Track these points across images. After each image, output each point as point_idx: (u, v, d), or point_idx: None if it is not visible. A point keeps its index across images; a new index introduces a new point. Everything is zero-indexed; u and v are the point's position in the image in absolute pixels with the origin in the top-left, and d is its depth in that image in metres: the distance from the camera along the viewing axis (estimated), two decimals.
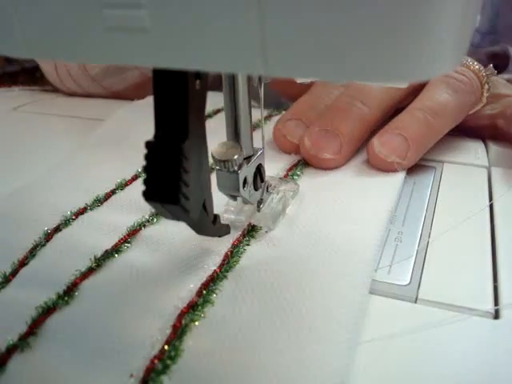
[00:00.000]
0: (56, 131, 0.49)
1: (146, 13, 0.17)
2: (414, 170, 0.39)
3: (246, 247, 0.30)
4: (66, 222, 0.33)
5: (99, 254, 0.29)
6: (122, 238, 0.31)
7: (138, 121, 0.46)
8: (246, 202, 0.31)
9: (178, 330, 0.24)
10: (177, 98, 0.21)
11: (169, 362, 0.23)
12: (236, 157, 0.27)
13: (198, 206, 0.24)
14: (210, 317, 0.25)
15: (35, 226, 0.32)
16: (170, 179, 0.22)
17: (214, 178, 0.26)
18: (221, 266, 0.28)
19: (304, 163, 0.39)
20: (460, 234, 0.31)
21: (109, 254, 0.29)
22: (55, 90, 0.66)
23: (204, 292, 0.26)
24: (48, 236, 0.32)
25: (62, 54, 0.20)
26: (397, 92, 0.40)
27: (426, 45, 0.15)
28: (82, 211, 0.34)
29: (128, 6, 0.17)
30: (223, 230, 0.29)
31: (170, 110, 0.22)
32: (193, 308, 0.25)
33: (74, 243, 0.31)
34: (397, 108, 0.40)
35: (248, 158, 0.30)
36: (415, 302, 0.27)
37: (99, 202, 0.35)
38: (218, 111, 0.49)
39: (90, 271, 0.28)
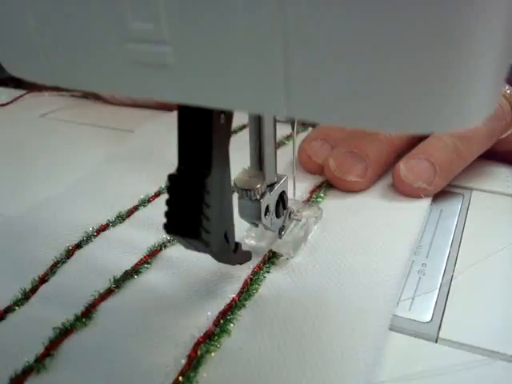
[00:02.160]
0: (83, 141, 0.49)
1: (170, 49, 0.17)
2: (440, 196, 0.38)
3: (266, 274, 0.30)
4: (88, 239, 0.33)
5: (119, 274, 0.29)
6: (142, 259, 0.31)
7: (165, 135, 0.47)
8: (267, 228, 0.30)
9: (193, 361, 0.24)
10: (201, 132, 0.21)
11: None
12: (259, 186, 0.27)
13: (218, 238, 0.23)
14: (225, 348, 0.25)
15: (57, 242, 0.32)
16: (191, 214, 0.22)
17: (235, 202, 0.26)
18: (240, 293, 0.28)
19: (328, 185, 0.39)
20: (487, 269, 0.30)
21: (128, 276, 0.29)
22: (85, 95, 0.66)
23: (221, 321, 0.26)
24: (69, 253, 0.32)
25: (86, 84, 0.20)
26: None
27: (461, 95, 0.15)
28: (103, 228, 0.34)
29: (152, 42, 0.17)
30: (244, 258, 0.28)
31: (194, 143, 0.21)
32: (209, 338, 0.25)
33: (95, 261, 0.31)
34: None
35: (271, 186, 0.29)
36: (436, 341, 0.26)
37: (121, 218, 0.35)
38: (243, 127, 0.49)
39: (108, 292, 0.28)
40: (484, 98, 0.15)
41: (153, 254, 0.31)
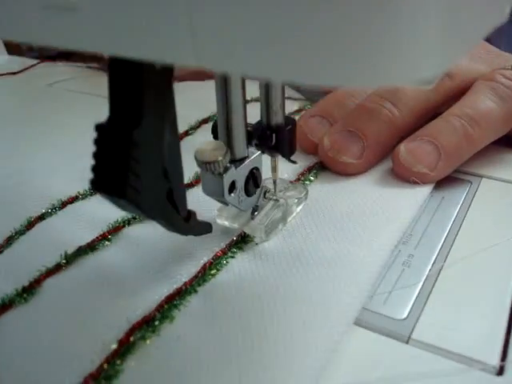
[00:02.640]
0: (83, 110, 0.47)
1: None
2: (446, 182, 0.34)
3: (229, 259, 0.27)
4: (52, 211, 0.31)
5: (74, 249, 0.28)
6: (99, 236, 0.29)
7: None
8: (236, 207, 0.28)
9: (123, 348, 0.22)
10: (130, 80, 0.19)
11: (103, 382, 0.20)
12: (220, 158, 0.25)
13: (152, 199, 0.21)
14: (164, 335, 0.22)
15: (21, 213, 0.31)
16: (116, 169, 0.19)
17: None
18: (194, 278, 0.26)
19: (321, 166, 0.36)
20: (480, 265, 0.27)
21: (81, 252, 0.27)
22: (102, 67, 0.65)
23: (165, 306, 0.24)
24: (29, 225, 0.30)
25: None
26: (434, 95, 0.36)
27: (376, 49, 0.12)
28: (71, 200, 0.32)
29: None
30: (201, 229, 0.26)
31: (124, 91, 0.19)
32: (147, 323, 0.23)
33: (54, 235, 0.29)
34: (434, 114, 0.35)
35: (240, 161, 0.27)
36: (407, 342, 0.23)
37: (93, 191, 0.33)
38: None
39: (57, 268, 0.26)
40: (417, 58, 0.12)
41: (114, 230, 0.29)
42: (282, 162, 0.35)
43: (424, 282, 0.26)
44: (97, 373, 0.21)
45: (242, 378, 0.20)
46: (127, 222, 0.30)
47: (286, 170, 0.35)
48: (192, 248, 0.28)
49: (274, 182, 0.30)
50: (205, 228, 0.26)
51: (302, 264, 0.26)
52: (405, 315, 0.24)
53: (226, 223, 0.29)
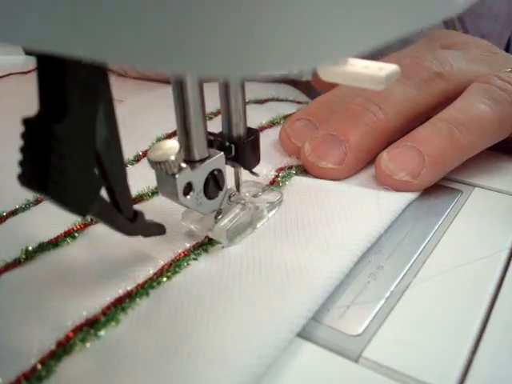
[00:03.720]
0: None
1: None
2: (434, 191, 0.32)
3: (191, 262, 0.26)
4: (26, 207, 0.31)
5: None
6: (65, 232, 0.28)
7: (150, 107, 0.44)
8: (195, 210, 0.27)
9: (60, 349, 0.21)
10: (54, 73, 0.18)
11: (35, 382, 0.20)
12: (172, 158, 0.24)
13: (86, 198, 0.20)
14: (106, 339, 0.22)
15: None
16: (38, 164, 0.19)
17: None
18: (148, 280, 0.25)
19: (300, 168, 0.34)
20: (452, 284, 0.25)
21: (43, 248, 0.27)
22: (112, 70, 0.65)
23: (112, 309, 0.23)
24: (1, 219, 0.30)
25: None
26: (425, 97, 0.34)
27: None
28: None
29: None
30: (151, 231, 0.25)
31: (49, 85, 0.18)
32: (92, 325, 0.22)
33: (22, 230, 0.29)
34: (427, 118, 0.33)
35: (201, 161, 0.26)
36: (356, 361, 0.21)
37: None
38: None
39: (16, 263, 0.26)
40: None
41: (80, 227, 0.29)
42: (261, 162, 0.34)
43: (388, 298, 0.24)
44: (30, 372, 0.20)
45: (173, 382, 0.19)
46: (94, 220, 0.29)
47: (265, 170, 0.33)
48: (155, 249, 0.27)
49: (237, 190, 0.29)
50: (156, 230, 0.25)
51: (260, 269, 0.25)
52: (360, 331, 0.22)
53: (192, 226, 0.28)
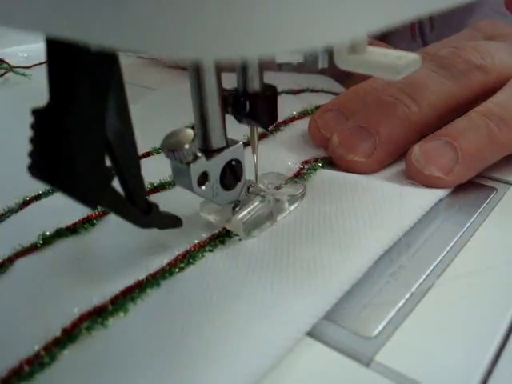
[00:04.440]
0: None
1: None
2: (467, 188, 0.31)
3: (206, 253, 0.26)
4: (49, 192, 0.31)
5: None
6: (84, 218, 0.28)
7: (180, 96, 0.43)
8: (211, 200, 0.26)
9: (65, 337, 0.21)
10: (64, 64, 0.18)
11: (37, 368, 0.20)
12: (186, 146, 0.23)
13: (96, 189, 0.20)
14: (111, 328, 0.21)
15: (21, 191, 0.31)
16: (47, 155, 0.19)
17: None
18: (160, 270, 0.24)
19: (327, 161, 0.33)
20: (477, 288, 0.23)
21: (61, 234, 0.27)
22: (153, 58, 0.65)
23: (121, 298, 0.22)
24: (24, 204, 0.30)
25: None
26: (462, 91, 0.32)
27: None
28: None
29: None
30: (166, 223, 0.25)
31: (59, 76, 0.18)
32: (99, 314, 0.22)
33: (45, 216, 0.29)
34: (462, 112, 0.32)
35: (218, 151, 0.25)
36: (368, 365, 0.20)
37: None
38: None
39: (32, 249, 0.26)
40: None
41: (99, 214, 0.28)
42: (284, 155, 0.33)
43: (407, 299, 0.23)
44: (33, 359, 0.20)
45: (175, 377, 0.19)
46: None
47: (291, 161, 0.32)
48: (171, 238, 0.26)
49: (254, 156, 0.28)
50: (171, 222, 0.25)
51: (275, 265, 0.24)
52: (374, 334, 0.21)
53: (209, 217, 0.28)
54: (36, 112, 0.19)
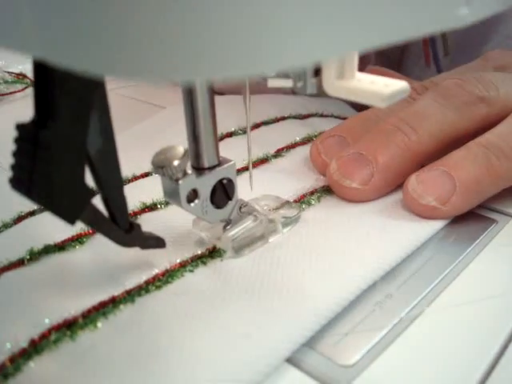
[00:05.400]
0: (122, 114, 0.48)
1: None
2: (466, 219, 0.30)
3: (186, 273, 0.25)
4: (43, 208, 0.31)
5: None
6: (75, 235, 0.28)
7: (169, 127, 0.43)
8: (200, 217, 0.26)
9: (31, 348, 0.21)
10: (44, 81, 0.18)
11: (1, 379, 0.20)
12: (176, 163, 0.23)
13: (74, 205, 0.20)
14: (80, 342, 0.21)
15: (16, 207, 0.31)
16: (23, 168, 0.19)
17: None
18: (137, 287, 0.24)
19: (328, 190, 0.33)
20: (464, 322, 0.23)
21: (49, 250, 0.27)
22: None
23: (94, 312, 0.22)
24: (18, 219, 0.31)
25: None
26: (464, 122, 0.32)
27: None
28: None
29: None
30: (148, 244, 0.25)
31: (42, 93, 0.19)
32: (69, 327, 0.22)
33: (37, 231, 0.29)
34: (463, 143, 0.31)
35: (210, 169, 0.25)
36: None
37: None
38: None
39: (19, 263, 0.26)
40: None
41: (89, 233, 0.28)
42: (283, 181, 0.33)
43: (391, 329, 0.23)
44: None
45: None
46: None
47: (288, 190, 0.32)
48: (156, 256, 0.26)
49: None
50: (153, 243, 0.25)
51: (254, 289, 0.24)
52: (352, 362, 0.21)
53: (202, 234, 0.28)
54: (19, 126, 0.19)
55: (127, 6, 0.12)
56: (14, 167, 0.19)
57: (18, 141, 0.19)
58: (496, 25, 0.51)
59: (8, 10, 0.14)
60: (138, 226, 0.24)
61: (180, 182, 0.24)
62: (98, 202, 0.22)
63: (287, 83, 0.23)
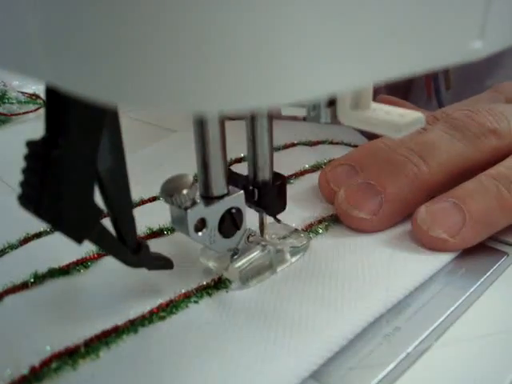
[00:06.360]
0: (132, 136, 0.49)
1: None
2: (476, 251, 0.30)
3: (191, 304, 0.25)
4: (50, 230, 0.32)
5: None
6: (79, 260, 0.28)
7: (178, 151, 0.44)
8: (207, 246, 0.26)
9: (31, 375, 0.21)
10: (56, 100, 0.18)
11: None
12: (185, 192, 0.23)
13: (81, 224, 0.20)
14: (80, 371, 0.21)
15: (22, 228, 0.31)
16: (33, 186, 0.19)
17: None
18: (140, 317, 0.24)
19: (336, 219, 0.33)
20: (474, 357, 0.22)
21: (53, 274, 0.27)
22: None
23: (96, 342, 0.22)
24: (24, 240, 0.31)
25: None
26: (475, 153, 0.32)
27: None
28: None
29: None
30: (156, 265, 0.25)
31: (54, 111, 0.19)
32: (70, 355, 0.22)
33: (42, 254, 0.29)
34: (473, 175, 0.31)
35: (219, 198, 0.25)
36: None
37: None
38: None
39: (23, 286, 0.26)
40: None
41: (94, 257, 0.29)
42: (291, 209, 0.33)
43: (398, 363, 0.22)
44: None
45: None
46: None
47: (295, 218, 0.32)
48: (162, 285, 0.26)
49: (261, 235, 0.28)
50: (161, 264, 0.25)
51: (259, 321, 0.24)
52: None
53: (209, 263, 0.28)
54: (29, 144, 0.19)
55: (140, 36, 0.12)
56: (22, 184, 0.19)
57: (27, 158, 0.19)
58: (500, 58, 0.51)
59: (20, 35, 0.14)
60: (146, 247, 0.24)
61: (188, 210, 0.24)
62: (106, 221, 0.22)
63: (301, 112, 0.23)
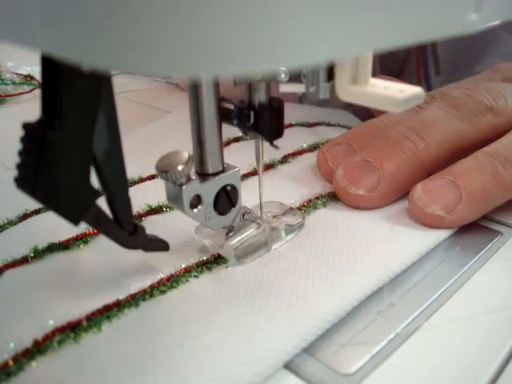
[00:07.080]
0: (126, 117, 0.48)
1: None
2: (470, 230, 0.30)
3: (191, 278, 0.25)
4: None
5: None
6: (79, 235, 0.28)
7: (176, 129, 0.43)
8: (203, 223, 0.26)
9: (35, 348, 0.21)
10: (52, 81, 0.18)
11: (3, 378, 0.20)
12: (180, 168, 0.23)
13: (79, 205, 0.20)
14: (82, 343, 0.21)
15: (22, 205, 0.31)
16: (29, 168, 0.19)
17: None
18: (141, 291, 0.24)
19: (334, 197, 0.33)
20: (466, 333, 0.23)
21: (53, 249, 0.27)
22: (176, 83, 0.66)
23: (98, 315, 0.22)
24: (23, 217, 0.31)
25: None
26: (472, 131, 0.32)
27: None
28: None
29: None
30: (152, 246, 0.25)
31: (49, 94, 0.19)
32: (73, 329, 0.22)
33: (42, 230, 0.29)
34: (471, 153, 0.31)
35: (214, 175, 0.25)
36: None
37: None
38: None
39: (23, 261, 0.26)
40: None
41: (93, 232, 0.29)
42: (289, 187, 0.33)
43: (392, 339, 0.22)
44: (1, 368, 0.20)
45: None
46: None
47: (294, 195, 0.32)
48: (161, 261, 0.26)
49: (258, 173, 0.28)
50: (157, 246, 0.25)
51: (257, 295, 0.24)
52: (352, 371, 0.21)
53: (204, 241, 0.28)
54: (26, 126, 0.19)
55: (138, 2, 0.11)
56: (19, 166, 0.19)
57: (24, 140, 0.19)
58: (489, 44, 0.51)
59: (15, 3, 0.14)
60: (142, 229, 0.24)
61: (183, 187, 0.24)
62: (102, 202, 0.22)
63: (300, 88, 0.23)
